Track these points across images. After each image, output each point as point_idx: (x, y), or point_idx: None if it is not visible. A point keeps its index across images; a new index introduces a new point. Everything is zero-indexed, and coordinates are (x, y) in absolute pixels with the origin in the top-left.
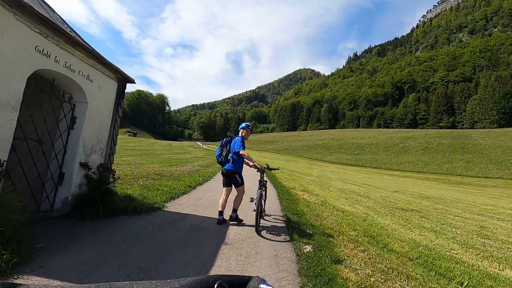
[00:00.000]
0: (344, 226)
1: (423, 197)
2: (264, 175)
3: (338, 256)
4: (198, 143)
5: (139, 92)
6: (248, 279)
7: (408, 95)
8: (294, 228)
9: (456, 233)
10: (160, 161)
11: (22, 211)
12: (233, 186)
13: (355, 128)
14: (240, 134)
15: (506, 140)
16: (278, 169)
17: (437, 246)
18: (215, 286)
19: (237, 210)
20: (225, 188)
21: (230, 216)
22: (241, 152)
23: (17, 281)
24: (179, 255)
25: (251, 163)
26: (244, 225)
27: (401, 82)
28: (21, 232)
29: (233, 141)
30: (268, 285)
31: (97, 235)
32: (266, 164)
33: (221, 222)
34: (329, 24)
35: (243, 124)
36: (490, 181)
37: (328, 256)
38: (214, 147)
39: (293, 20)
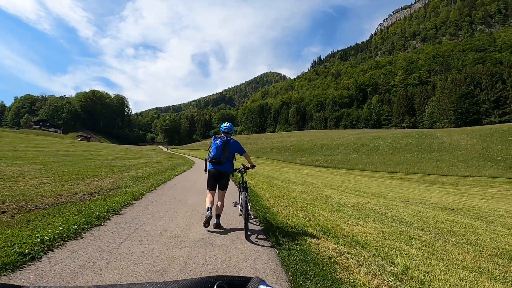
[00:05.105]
0: None
1: (448, 209)
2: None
3: None
4: (161, 147)
5: (93, 92)
6: (247, 279)
7: (371, 97)
8: None
9: None
10: (74, 171)
11: None
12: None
13: (323, 129)
14: (223, 136)
15: (468, 139)
16: (256, 166)
17: None
18: (215, 286)
19: (220, 215)
20: (210, 191)
21: (215, 223)
22: (245, 155)
23: (17, 282)
24: None
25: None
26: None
27: (364, 84)
28: None
29: (233, 143)
30: (267, 285)
31: None
32: (242, 164)
33: (209, 218)
34: (295, 28)
35: (229, 125)
36: (462, 180)
37: None
38: (179, 151)
39: (259, 23)
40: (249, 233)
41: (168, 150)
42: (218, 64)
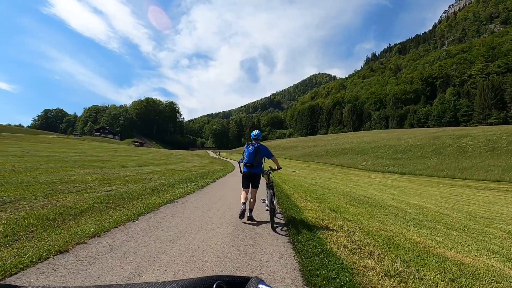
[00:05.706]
0: None
1: None
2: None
3: None
4: (209, 151)
5: (147, 100)
6: (247, 279)
7: (442, 91)
8: None
9: None
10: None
11: None
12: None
13: (384, 129)
14: (255, 142)
15: None
16: (281, 169)
17: None
18: (214, 286)
19: (252, 210)
20: (245, 189)
21: (248, 216)
22: (273, 158)
23: (16, 283)
24: None
25: (277, 167)
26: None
27: (432, 77)
28: None
29: (262, 149)
30: (266, 285)
31: None
32: (269, 166)
33: (244, 211)
34: (345, 26)
35: (258, 133)
36: None
37: None
38: (226, 155)
39: (306, 24)
40: (275, 225)
41: (219, 156)
42: (266, 69)
